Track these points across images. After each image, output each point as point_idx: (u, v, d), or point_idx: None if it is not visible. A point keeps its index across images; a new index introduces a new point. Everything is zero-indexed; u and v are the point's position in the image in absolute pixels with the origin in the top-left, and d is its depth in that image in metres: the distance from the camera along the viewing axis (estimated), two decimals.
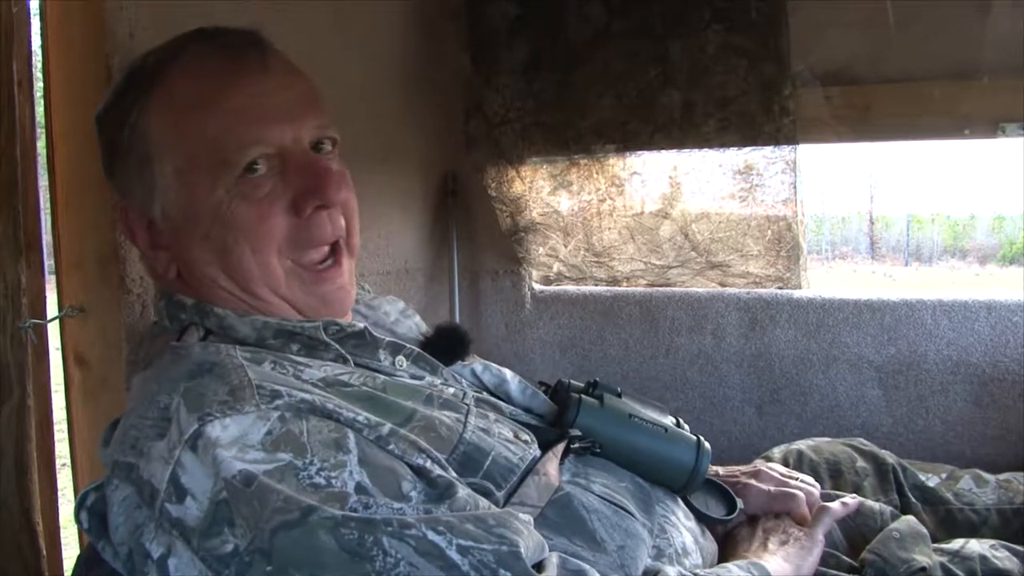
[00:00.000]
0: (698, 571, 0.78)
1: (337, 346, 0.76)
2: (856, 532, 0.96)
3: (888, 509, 0.99)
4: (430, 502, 0.63)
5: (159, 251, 0.77)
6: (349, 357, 0.77)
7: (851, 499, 0.95)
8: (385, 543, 0.58)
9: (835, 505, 0.92)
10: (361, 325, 0.80)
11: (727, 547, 0.91)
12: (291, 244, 0.76)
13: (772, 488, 0.94)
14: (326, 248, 0.78)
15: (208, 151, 0.72)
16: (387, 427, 0.67)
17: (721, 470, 0.99)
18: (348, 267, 0.81)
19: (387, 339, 0.81)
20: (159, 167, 0.74)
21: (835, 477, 1.10)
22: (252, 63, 0.76)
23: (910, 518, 0.96)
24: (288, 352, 0.76)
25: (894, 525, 0.93)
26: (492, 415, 0.80)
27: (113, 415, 0.77)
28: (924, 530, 0.94)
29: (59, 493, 1.01)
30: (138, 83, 0.75)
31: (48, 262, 1.00)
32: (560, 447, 0.80)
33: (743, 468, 1.01)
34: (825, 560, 0.88)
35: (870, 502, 1.00)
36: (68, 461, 1.05)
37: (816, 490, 0.96)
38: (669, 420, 0.92)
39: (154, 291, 0.87)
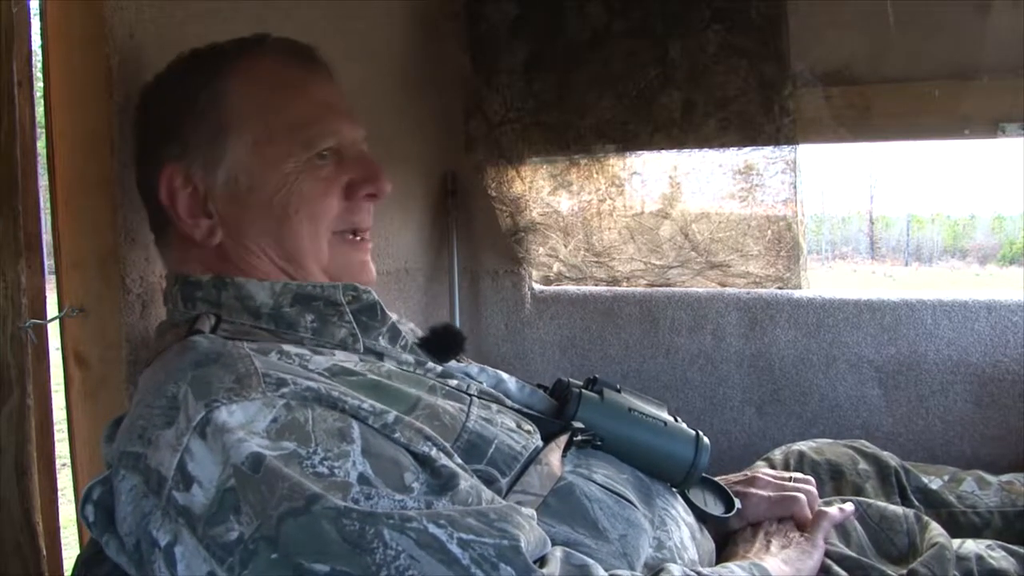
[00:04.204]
0: (701, 570, 0.78)
1: (351, 316, 0.81)
2: (883, 537, 0.96)
3: (911, 512, 0.98)
4: (432, 494, 0.63)
5: (200, 218, 0.82)
6: (359, 335, 0.80)
7: (848, 505, 0.95)
8: (386, 535, 0.58)
9: (833, 510, 0.92)
10: (375, 296, 0.83)
11: (728, 550, 0.91)
12: (338, 222, 0.85)
13: (772, 494, 0.94)
14: (359, 234, 0.89)
15: (289, 129, 0.82)
16: (392, 415, 0.68)
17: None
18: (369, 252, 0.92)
19: (391, 321, 0.83)
20: (236, 135, 0.81)
21: (836, 479, 1.10)
22: (322, 71, 0.87)
23: (948, 538, 0.94)
24: (301, 324, 0.79)
25: (942, 542, 0.92)
26: (495, 406, 0.80)
27: (113, 415, 0.78)
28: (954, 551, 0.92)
29: (59, 493, 1.00)
30: (213, 59, 0.83)
31: (48, 262, 1.00)
32: (563, 439, 0.81)
33: (734, 477, 1.01)
34: (867, 571, 0.88)
35: (893, 507, 1.00)
36: (68, 461, 1.05)
37: (813, 488, 0.96)
38: (668, 416, 0.92)
39: (167, 279, 0.87)
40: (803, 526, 0.91)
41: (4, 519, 0.86)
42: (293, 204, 0.82)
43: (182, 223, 0.82)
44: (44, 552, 0.90)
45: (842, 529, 0.94)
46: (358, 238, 0.88)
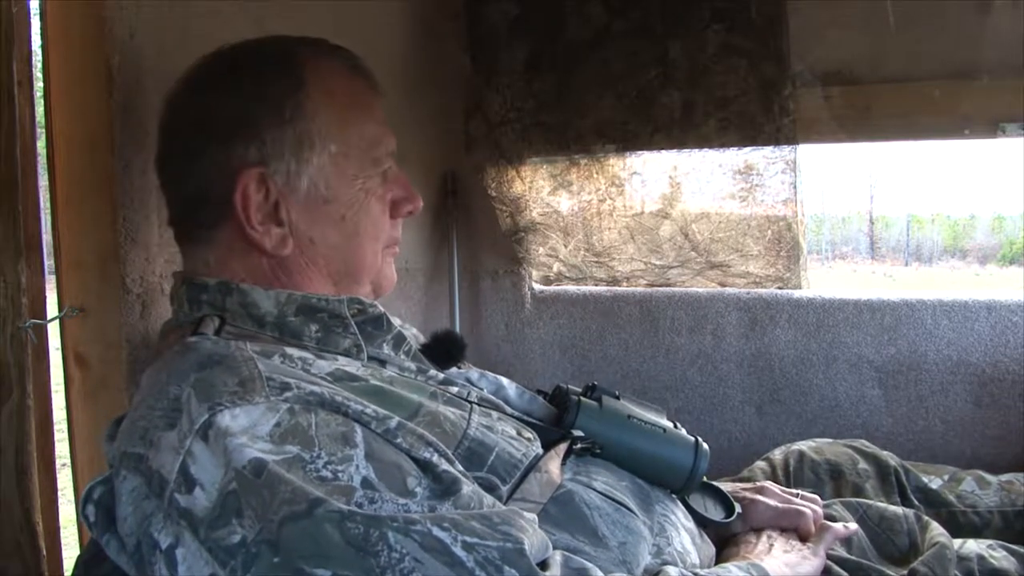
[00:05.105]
0: (698, 571, 0.78)
1: (355, 328, 0.80)
2: (884, 538, 0.96)
3: (912, 512, 0.99)
4: (435, 498, 0.63)
5: (271, 226, 0.80)
6: (363, 345, 0.80)
7: (853, 525, 0.95)
8: (390, 538, 0.58)
9: (838, 525, 0.93)
10: (381, 309, 0.83)
11: (728, 551, 0.91)
12: (384, 241, 0.88)
13: (780, 504, 0.95)
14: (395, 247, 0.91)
15: (363, 148, 0.83)
16: (395, 420, 0.68)
17: (723, 487, 0.99)
18: None
19: (396, 329, 0.83)
20: (321, 146, 0.80)
21: (836, 478, 1.10)
22: (376, 86, 0.88)
23: (949, 537, 0.95)
24: (305, 333, 0.78)
25: (943, 541, 0.92)
26: (495, 414, 0.80)
27: (113, 415, 0.78)
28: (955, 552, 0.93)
29: (59, 493, 1.00)
30: (289, 62, 0.81)
31: (48, 262, 1.00)
32: (562, 447, 0.81)
33: (745, 484, 1.01)
34: (867, 573, 0.88)
35: (893, 507, 1.00)
36: (68, 461, 1.05)
37: (820, 508, 0.96)
38: (667, 422, 0.93)
39: (174, 278, 0.86)
40: (806, 541, 0.91)
41: (4, 519, 0.86)
42: (363, 223, 0.83)
43: (251, 229, 0.79)
44: (44, 552, 0.90)
45: None
46: (394, 250, 0.91)
